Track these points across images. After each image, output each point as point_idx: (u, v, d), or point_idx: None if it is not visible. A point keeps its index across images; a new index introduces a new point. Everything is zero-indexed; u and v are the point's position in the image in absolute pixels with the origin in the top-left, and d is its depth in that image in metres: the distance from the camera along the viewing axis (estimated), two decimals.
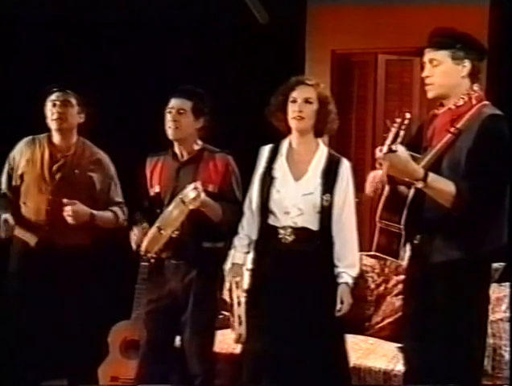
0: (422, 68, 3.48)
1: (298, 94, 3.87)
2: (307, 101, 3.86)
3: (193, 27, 5.44)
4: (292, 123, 3.88)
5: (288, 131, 3.94)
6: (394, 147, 3.15)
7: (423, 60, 3.47)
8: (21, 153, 4.56)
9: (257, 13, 5.48)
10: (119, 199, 4.65)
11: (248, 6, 5.43)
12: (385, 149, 3.17)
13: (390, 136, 3.16)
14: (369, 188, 3.57)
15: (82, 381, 4.56)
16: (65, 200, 4.36)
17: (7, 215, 4.41)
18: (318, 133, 3.94)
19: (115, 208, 4.60)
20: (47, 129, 4.58)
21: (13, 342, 4.49)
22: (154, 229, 4.07)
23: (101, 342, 4.68)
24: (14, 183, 4.54)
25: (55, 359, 4.58)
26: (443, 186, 3.27)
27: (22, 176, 4.53)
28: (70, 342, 4.50)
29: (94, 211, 4.47)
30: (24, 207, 4.50)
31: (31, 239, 4.45)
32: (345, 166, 3.92)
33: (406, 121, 3.15)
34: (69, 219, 4.35)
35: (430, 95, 3.45)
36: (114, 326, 4.72)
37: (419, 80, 5.66)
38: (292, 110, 3.86)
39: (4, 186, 4.58)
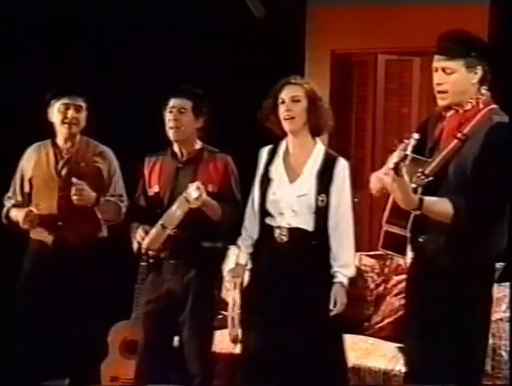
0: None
1: (285, 94, 3.87)
2: (294, 100, 3.85)
3: (193, 28, 5.44)
4: (284, 124, 3.88)
5: (285, 133, 3.94)
6: (400, 167, 3.14)
7: (433, 66, 3.40)
8: (28, 160, 4.62)
9: (253, 7, 5.46)
10: (121, 192, 4.67)
11: (245, 2, 5.42)
12: (391, 165, 3.16)
13: (397, 156, 3.15)
14: (373, 189, 3.55)
15: (84, 381, 4.57)
16: (74, 180, 4.41)
17: (32, 207, 4.47)
18: (314, 132, 3.93)
19: (117, 200, 4.61)
20: (47, 131, 4.59)
21: (14, 341, 4.50)
22: (158, 227, 4.08)
23: (101, 342, 4.69)
24: (25, 190, 4.60)
25: (56, 359, 4.58)
26: (440, 208, 3.27)
27: (30, 180, 4.58)
28: (72, 342, 4.51)
29: (100, 198, 4.52)
30: (37, 210, 4.51)
31: (48, 237, 4.51)
32: (342, 166, 3.91)
33: (413, 142, 3.16)
34: (75, 199, 4.40)
35: (443, 103, 3.40)
36: (114, 326, 4.72)
37: (418, 80, 5.68)
38: (282, 111, 3.86)
39: (18, 195, 4.62)
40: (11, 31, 5.28)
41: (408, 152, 3.15)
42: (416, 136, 3.20)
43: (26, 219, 4.43)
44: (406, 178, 3.19)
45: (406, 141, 3.18)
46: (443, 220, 3.27)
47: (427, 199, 3.25)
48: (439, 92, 3.40)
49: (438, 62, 3.39)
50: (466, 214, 3.23)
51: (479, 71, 3.36)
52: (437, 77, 3.40)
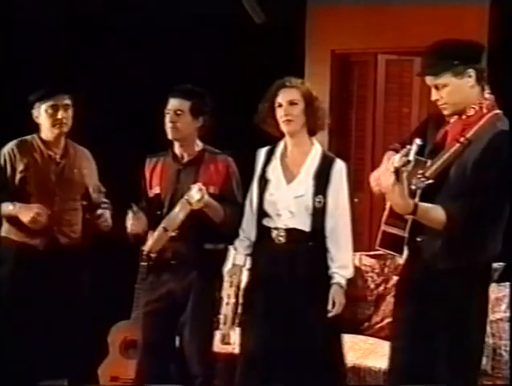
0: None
1: (282, 98, 3.87)
2: (292, 103, 3.86)
3: (194, 28, 5.45)
4: (282, 127, 3.89)
5: (283, 134, 3.94)
6: (401, 172, 3.14)
7: (427, 84, 3.42)
8: (14, 156, 4.49)
9: (252, 13, 5.47)
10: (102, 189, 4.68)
11: (244, 7, 5.43)
12: (392, 168, 3.16)
13: (398, 161, 3.15)
14: (373, 188, 3.56)
15: (82, 381, 4.57)
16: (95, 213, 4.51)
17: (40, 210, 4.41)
18: (311, 132, 3.94)
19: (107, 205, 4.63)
20: (32, 131, 4.56)
21: (12, 342, 4.50)
22: (160, 230, 4.07)
23: (101, 342, 4.69)
24: (11, 185, 4.49)
25: (55, 358, 4.58)
26: (434, 216, 3.27)
27: (22, 180, 4.48)
28: (70, 342, 4.51)
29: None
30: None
31: (38, 241, 4.47)
32: (339, 166, 3.91)
33: (415, 147, 3.16)
34: (105, 227, 4.53)
35: (447, 112, 3.41)
36: (114, 326, 4.72)
37: (418, 80, 5.65)
38: (280, 115, 3.87)
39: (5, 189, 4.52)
40: (9, 32, 5.28)
41: (411, 157, 3.16)
42: (418, 141, 3.20)
43: (37, 219, 4.37)
44: (406, 183, 3.19)
45: (408, 146, 3.18)
46: (436, 227, 3.28)
47: (422, 205, 3.26)
48: (440, 105, 3.41)
49: (429, 81, 3.40)
50: (459, 222, 3.24)
51: (472, 73, 3.35)
52: (433, 94, 3.41)
